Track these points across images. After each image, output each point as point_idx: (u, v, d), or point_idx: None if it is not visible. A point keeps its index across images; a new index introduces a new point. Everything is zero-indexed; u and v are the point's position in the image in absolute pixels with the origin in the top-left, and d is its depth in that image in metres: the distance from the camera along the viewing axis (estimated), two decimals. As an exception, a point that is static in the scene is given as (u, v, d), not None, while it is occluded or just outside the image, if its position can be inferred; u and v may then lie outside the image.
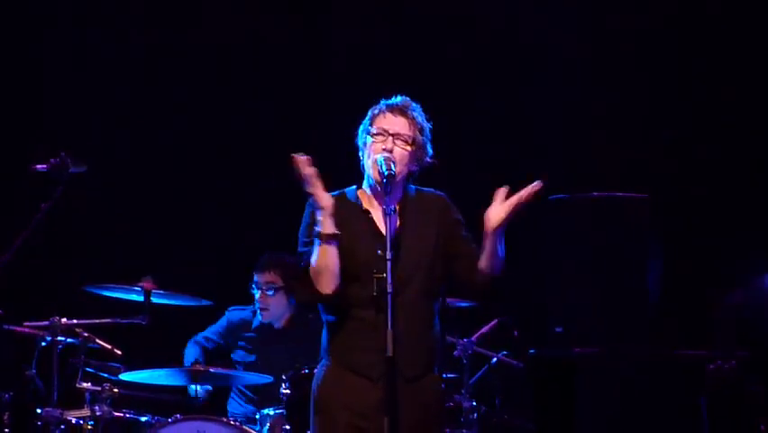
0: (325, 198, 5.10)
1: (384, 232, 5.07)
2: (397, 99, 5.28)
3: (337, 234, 5.09)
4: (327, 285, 5.10)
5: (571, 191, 7.57)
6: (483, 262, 5.20)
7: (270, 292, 7.71)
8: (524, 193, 5.14)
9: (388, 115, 5.23)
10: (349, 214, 5.22)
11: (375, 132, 5.21)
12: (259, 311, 7.79)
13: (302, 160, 5.06)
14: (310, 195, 5.09)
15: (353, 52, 8.96)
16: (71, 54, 8.81)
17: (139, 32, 8.86)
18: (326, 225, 5.09)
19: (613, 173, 8.42)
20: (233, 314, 7.92)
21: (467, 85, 8.86)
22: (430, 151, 5.29)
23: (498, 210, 5.15)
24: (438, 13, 8.89)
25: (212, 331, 7.88)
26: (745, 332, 7.71)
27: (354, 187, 5.32)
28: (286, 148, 5.17)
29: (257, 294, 7.74)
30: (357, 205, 5.26)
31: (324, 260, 5.09)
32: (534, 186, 5.14)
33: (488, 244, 5.17)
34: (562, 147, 8.62)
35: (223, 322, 7.91)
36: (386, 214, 5.07)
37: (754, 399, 7.50)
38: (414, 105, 5.28)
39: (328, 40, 9.07)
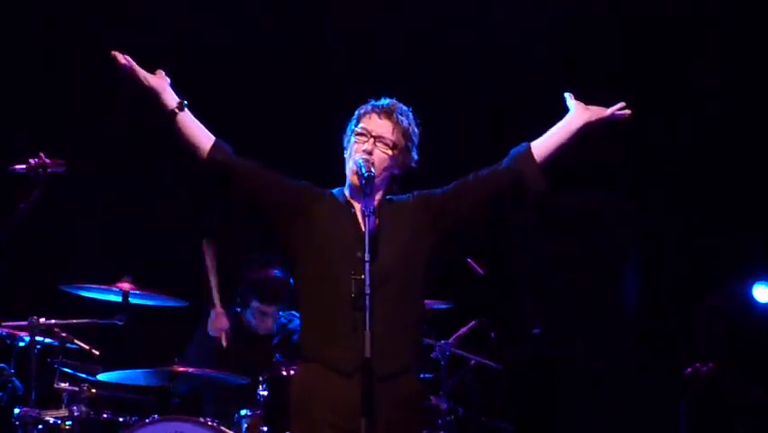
0: (152, 79, 5.10)
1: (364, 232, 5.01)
2: (385, 101, 5.24)
3: (181, 101, 5.11)
4: (202, 150, 5.15)
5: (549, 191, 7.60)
6: (543, 146, 5.23)
7: (280, 315, 7.72)
8: (613, 110, 5.22)
9: (373, 116, 5.21)
10: (334, 212, 5.20)
11: (359, 131, 5.19)
12: (256, 328, 7.79)
13: (117, 55, 5.04)
14: (138, 85, 5.08)
15: (353, 52, 8.97)
16: (54, 51, 8.80)
17: (135, 31, 8.83)
18: (168, 100, 5.11)
19: (592, 173, 8.43)
20: None
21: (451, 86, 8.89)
22: (415, 156, 5.26)
23: (588, 112, 5.22)
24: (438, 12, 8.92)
25: None
26: (724, 335, 7.74)
27: (342, 188, 5.28)
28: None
29: (259, 317, 7.73)
30: (342, 204, 5.22)
31: (186, 131, 5.12)
32: (622, 109, 5.23)
33: (561, 133, 5.22)
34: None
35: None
36: (364, 216, 5.02)
37: (732, 401, 7.53)
38: (402, 108, 5.24)
39: (328, 40, 9.08)
